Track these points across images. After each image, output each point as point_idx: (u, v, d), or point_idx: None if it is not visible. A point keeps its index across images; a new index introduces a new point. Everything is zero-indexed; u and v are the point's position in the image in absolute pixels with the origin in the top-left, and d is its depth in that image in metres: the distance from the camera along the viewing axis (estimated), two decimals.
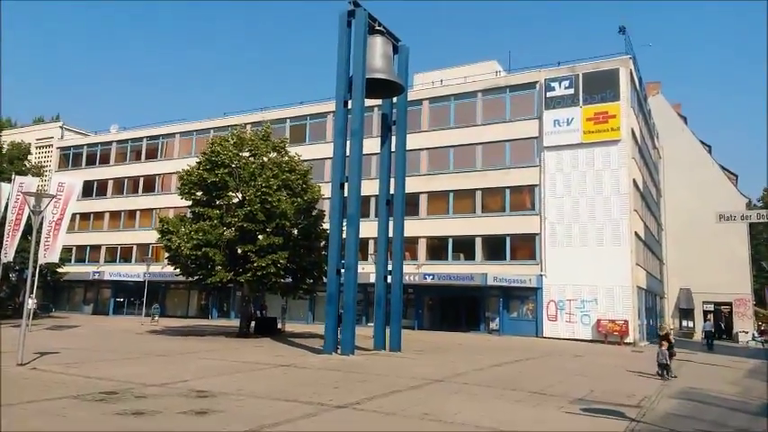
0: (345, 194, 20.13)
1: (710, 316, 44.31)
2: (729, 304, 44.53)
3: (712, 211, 31.44)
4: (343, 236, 20.06)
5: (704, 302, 45.46)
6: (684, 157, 47.57)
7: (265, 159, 27.41)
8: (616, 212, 31.48)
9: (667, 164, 48.50)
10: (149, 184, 48.53)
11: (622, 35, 35.49)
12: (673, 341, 17.68)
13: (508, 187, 34.94)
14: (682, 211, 45.84)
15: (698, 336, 44.15)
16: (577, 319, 31.55)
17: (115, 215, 49.67)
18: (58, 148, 54.00)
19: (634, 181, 32.78)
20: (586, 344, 29.34)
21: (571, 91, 33.41)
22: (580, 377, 15.81)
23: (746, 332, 41.51)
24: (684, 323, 45.63)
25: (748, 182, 73.66)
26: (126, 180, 49.89)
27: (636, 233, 32.33)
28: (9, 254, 25.26)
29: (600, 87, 32.75)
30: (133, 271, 44.66)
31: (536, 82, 34.90)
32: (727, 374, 17.65)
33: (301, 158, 29.24)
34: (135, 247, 47.48)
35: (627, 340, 29.83)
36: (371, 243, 32.49)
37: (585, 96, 32.97)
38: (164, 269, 36.15)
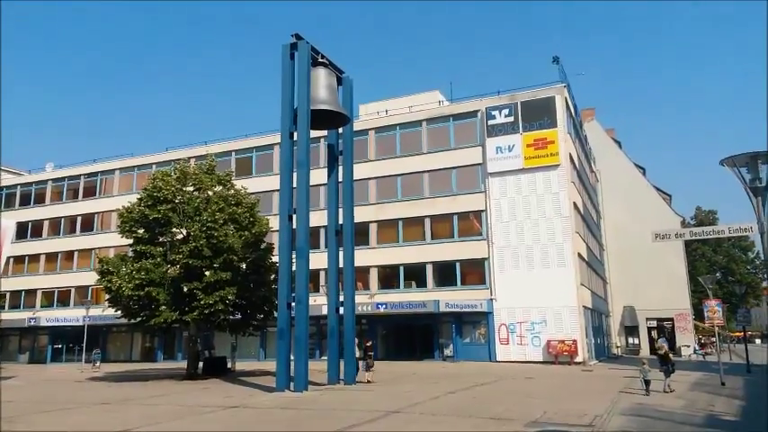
0: (294, 226, 19.92)
1: (654, 332, 45.85)
2: (671, 320, 46.24)
3: (649, 230, 32.70)
4: (293, 268, 19.77)
5: (647, 319, 47.05)
6: (620, 179, 49.66)
7: (210, 193, 26.88)
8: (559, 235, 32.39)
9: (605, 187, 50.48)
10: (88, 223, 46.58)
11: (556, 65, 37.09)
12: (672, 359, 18.86)
13: (456, 213, 35.45)
14: (621, 231, 47.62)
15: (644, 352, 45.56)
16: (528, 342, 31.99)
17: (51, 257, 47.30)
18: None
19: (574, 204, 33.90)
20: (538, 365, 29.70)
21: (511, 119, 34.50)
22: (533, 399, 15.94)
23: (688, 346, 43.11)
24: (630, 340, 47.01)
25: (681, 201, 77.69)
26: (63, 220, 47.74)
27: (579, 254, 33.30)
28: None
29: (538, 115, 33.96)
30: (71, 315, 42.48)
31: (477, 111, 35.88)
32: (674, 388, 18.17)
33: (248, 191, 28.83)
34: (73, 289, 45.21)
35: (576, 360, 30.40)
36: (322, 274, 32.11)
37: (525, 124, 34.10)
38: (104, 312, 34.59)
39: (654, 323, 47.21)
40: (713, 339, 38.63)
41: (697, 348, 43.94)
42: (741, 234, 30.50)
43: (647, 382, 17.28)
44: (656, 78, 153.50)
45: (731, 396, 17.59)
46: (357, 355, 22.09)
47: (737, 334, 66.21)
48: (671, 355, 19.90)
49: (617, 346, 46.04)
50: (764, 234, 11.05)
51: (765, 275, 68.52)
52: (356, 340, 22.70)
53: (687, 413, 13.89)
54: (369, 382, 21.16)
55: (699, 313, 47.74)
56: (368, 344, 23.10)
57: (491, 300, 33.12)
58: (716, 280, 32.41)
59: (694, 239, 48.42)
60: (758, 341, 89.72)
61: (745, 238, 63.80)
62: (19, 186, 50.80)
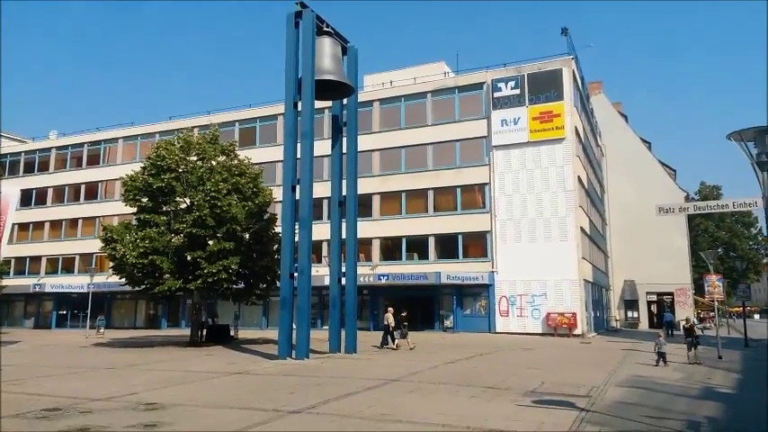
0: (297, 197, 19.95)
1: (654, 306, 46.08)
2: (671, 294, 46.48)
3: (653, 205, 32.72)
4: (296, 239, 19.87)
5: (647, 293, 47.31)
6: (626, 153, 49.35)
7: (214, 163, 26.84)
8: (562, 209, 32.38)
9: (610, 161, 50.21)
10: (92, 192, 46.76)
11: (564, 36, 36.51)
12: (697, 333, 20.37)
13: (459, 186, 35.41)
14: (624, 205, 47.55)
15: (643, 326, 45.95)
16: (528, 314, 32.28)
17: (56, 224, 47.62)
18: None
19: (579, 178, 33.78)
20: (537, 337, 30.02)
21: (517, 91, 34.16)
22: (531, 370, 16.16)
23: (687, 320, 43.39)
24: (630, 314, 47.34)
25: (686, 176, 77.24)
26: (67, 187, 47.93)
27: (581, 228, 33.33)
28: None
29: (544, 87, 33.60)
30: (76, 282, 42.96)
31: (483, 83, 35.52)
32: (671, 360, 18.40)
33: (252, 161, 28.78)
34: (78, 257, 45.66)
35: (576, 332, 30.71)
36: (325, 245, 32.29)
37: (531, 96, 33.77)
38: (109, 279, 34.97)
39: (654, 297, 47.47)
40: (712, 314, 38.91)
41: (696, 323, 44.24)
42: (745, 209, 30.49)
43: (661, 354, 17.82)
44: (664, 52, 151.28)
45: (728, 369, 17.83)
46: (391, 324, 23.69)
47: (736, 309, 66.59)
48: (696, 329, 21.39)
49: (616, 320, 46.41)
50: None
51: (767, 251, 68.68)
52: (391, 310, 24.33)
53: (684, 385, 14.09)
54: (410, 348, 22.55)
55: (699, 288, 48.01)
56: (403, 314, 24.08)
57: (492, 272, 33.30)
58: (718, 255, 32.51)
59: (698, 214, 48.26)
60: (756, 316, 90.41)
61: (749, 213, 63.66)
62: (23, 154, 50.85)
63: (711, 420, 10.02)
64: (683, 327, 21.03)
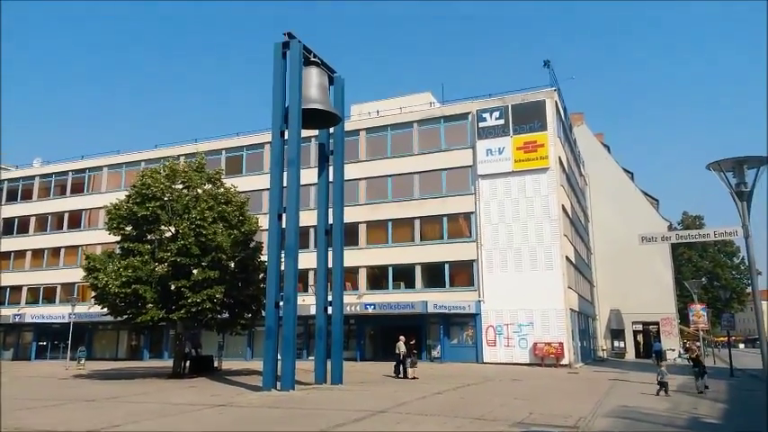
0: (284, 225, 19.90)
1: (640, 336, 46.06)
2: (656, 323, 46.63)
3: (636, 234, 33.00)
4: (282, 267, 19.75)
5: (633, 323, 47.41)
6: (609, 183, 50.07)
7: (200, 191, 26.73)
8: (547, 238, 32.59)
9: (593, 190, 50.85)
10: (75, 220, 46.23)
11: (547, 69, 37.33)
12: (704, 362, 20.69)
13: (446, 215, 35.56)
14: (608, 235, 47.93)
15: (630, 355, 45.98)
16: (515, 343, 32.16)
17: (38, 253, 46.88)
18: None
19: (563, 207, 34.12)
20: (525, 367, 29.85)
21: (501, 121, 34.68)
22: (519, 400, 16.04)
23: (673, 350, 43.48)
24: (616, 343, 47.34)
25: (668, 206, 78.31)
26: (50, 216, 47.35)
27: (567, 257, 33.52)
28: None
29: (528, 118, 34.16)
30: (57, 312, 42.14)
31: (468, 113, 36.02)
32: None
33: (238, 190, 28.73)
34: (59, 286, 44.86)
35: (563, 362, 30.59)
36: (311, 274, 32.07)
37: (515, 126, 34.29)
38: (90, 309, 34.40)
39: (640, 327, 47.60)
40: (698, 344, 39.10)
41: (682, 352, 44.38)
42: (726, 238, 30.70)
43: (662, 384, 17.81)
44: (645, 84, 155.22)
45: (714, 399, 17.83)
46: (404, 352, 23.75)
47: (721, 338, 66.90)
48: (701, 358, 21.68)
49: (603, 349, 46.38)
50: (749, 238, 11.20)
51: (750, 280, 69.49)
52: (403, 339, 24.31)
53: (671, 415, 14.05)
54: (414, 378, 22.58)
55: (684, 317, 48.25)
56: (412, 342, 24.22)
57: (479, 301, 33.24)
58: (701, 284, 32.74)
59: (681, 243, 48.81)
60: (741, 346, 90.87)
61: (731, 243, 64.50)
62: (6, 182, 50.29)
63: None
64: (690, 357, 21.45)
